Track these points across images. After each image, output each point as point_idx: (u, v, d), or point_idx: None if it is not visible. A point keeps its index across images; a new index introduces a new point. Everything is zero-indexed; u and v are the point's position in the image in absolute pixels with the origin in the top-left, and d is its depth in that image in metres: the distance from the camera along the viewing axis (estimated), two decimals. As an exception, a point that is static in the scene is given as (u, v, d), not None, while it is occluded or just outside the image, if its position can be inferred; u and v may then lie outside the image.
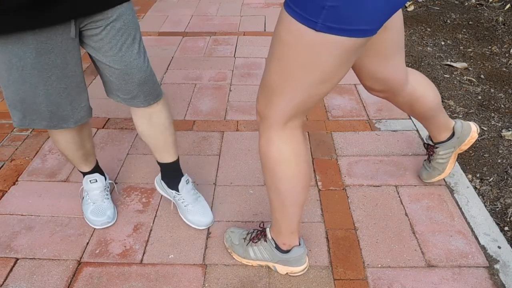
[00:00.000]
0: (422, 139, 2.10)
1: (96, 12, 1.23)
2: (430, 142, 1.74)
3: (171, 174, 1.64)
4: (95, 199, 1.65)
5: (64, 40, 1.24)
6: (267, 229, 1.41)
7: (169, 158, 1.60)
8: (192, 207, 1.63)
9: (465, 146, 1.70)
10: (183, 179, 1.64)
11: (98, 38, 1.28)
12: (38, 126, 1.35)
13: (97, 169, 1.69)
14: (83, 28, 1.27)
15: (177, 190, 1.64)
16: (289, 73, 1.02)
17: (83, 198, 1.70)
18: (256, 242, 1.44)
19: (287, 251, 1.39)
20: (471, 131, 1.67)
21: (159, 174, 1.71)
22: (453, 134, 1.68)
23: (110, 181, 1.78)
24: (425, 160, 1.81)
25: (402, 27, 1.28)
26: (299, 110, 1.11)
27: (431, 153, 1.74)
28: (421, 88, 1.49)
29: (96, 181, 1.66)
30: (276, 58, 1.03)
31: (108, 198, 1.69)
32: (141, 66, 1.35)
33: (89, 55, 1.35)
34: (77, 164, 1.62)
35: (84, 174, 1.68)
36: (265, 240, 1.42)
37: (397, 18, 1.24)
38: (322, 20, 0.90)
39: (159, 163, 1.63)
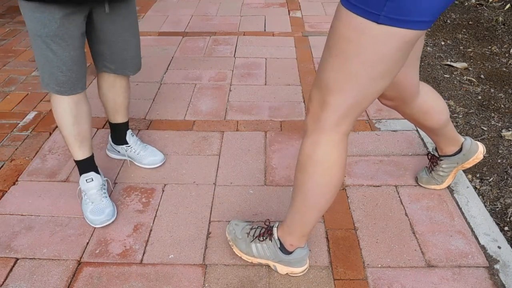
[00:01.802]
0: (422, 139, 2.10)
1: None
2: (435, 154, 1.74)
3: (121, 133, 1.90)
4: (93, 199, 1.66)
5: (82, 17, 1.45)
6: (274, 229, 1.41)
7: (122, 119, 1.87)
8: (144, 153, 1.92)
9: (468, 165, 1.70)
10: (128, 132, 1.91)
11: (114, 17, 1.53)
12: (51, 90, 1.53)
13: (91, 165, 1.70)
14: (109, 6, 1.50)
15: (126, 143, 1.91)
16: (349, 69, 1.02)
17: (81, 198, 1.71)
18: (261, 241, 1.43)
19: (290, 252, 1.38)
20: (478, 151, 1.68)
21: (108, 145, 1.99)
22: (460, 150, 1.68)
23: (105, 178, 1.78)
24: (426, 167, 1.80)
25: (423, 38, 1.29)
26: (353, 111, 1.09)
27: (434, 164, 1.74)
28: (431, 102, 1.49)
29: (92, 180, 1.67)
30: (335, 55, 1.03)
31: (106, 197, 1.69)
32: (136, 44, 1.66)
33: (89, 32, 1.57)
34: (71, 147, 1.65)
35: (79, 168, 1.69)
36: (271, 239, 1.41)
37: None
38: (385, 12, 0.91)
39: (112, 124, 1.89)
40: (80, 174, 1.69)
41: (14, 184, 1.85)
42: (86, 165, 1.69)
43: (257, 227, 1.48)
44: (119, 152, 1.95)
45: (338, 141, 1.14)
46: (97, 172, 1.71)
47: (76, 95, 1.56)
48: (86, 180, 1.67)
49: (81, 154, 1.67)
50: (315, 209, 1.25)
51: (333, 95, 1.07)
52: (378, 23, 0.93)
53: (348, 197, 1.77)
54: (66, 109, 1.57)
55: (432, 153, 1.76)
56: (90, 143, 1.69)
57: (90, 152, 1.69)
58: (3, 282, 1.43)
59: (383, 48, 0.96)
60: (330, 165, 1.15)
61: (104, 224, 1.63)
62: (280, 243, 1.39)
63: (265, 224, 1.47)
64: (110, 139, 1.96)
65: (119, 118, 1.86)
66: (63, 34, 1.41)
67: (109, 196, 1.78)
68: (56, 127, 2.23)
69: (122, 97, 1.81)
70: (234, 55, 3.00)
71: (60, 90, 1.52)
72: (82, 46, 1.50)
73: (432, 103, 1.49)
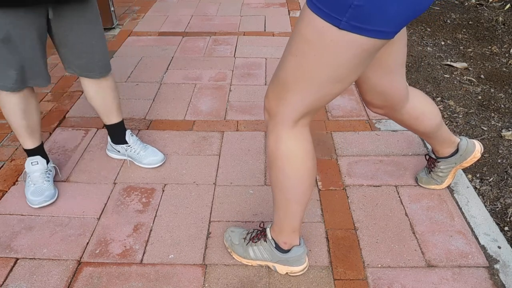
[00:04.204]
0: (422, 139, 2.10)
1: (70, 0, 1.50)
2: (433, 156, 1.74)
3: (119, 132, 1.92)
4: (35, 181, 1.72)
5: (38, 18, 1.47)
6: (267, 229, 1.41)
7: (116, 119, 1.89)
8: (144, 153, 1.92)
9: (466, 164, 1.70)
10: (127, 132, 1.93)
11: (68, 22, 1.54)
12: (2, 88, 1.56)
13: (40, 152, 1.78)
14: (56, 11, 1.51)
15: (126, 142, 1.92)
16: (306, 70, 1.03)
17: (25, 181, 1.78)
18: (255, 242, 1.44)
19: (287, 251, 1.39)
20: (475, 150, 1.68)
21: (107, 145, 1.99)
22: (456, 151, 1.68)
23: (53, 165, 1.84)
24: (426, 167, 1.80)
25: (406, 45, 1.30)
26: (310, 109, 1.11)
27: (432, 166, 1.74)
28: (421, 107, 1.49)
29: (38, 163, 1.75)
30: (294, 55, 1.03)
31: (49, 181, 1.76)
32: (100, 48, 1.67)
33: (51, 35, 1.61)
34: (22, 137, 1.72)
35: (28, 154, 1.76)
36: (265, 240, 1.42)
37: (403, 35, 1.26)
38: (347, 18, 0.91)
39: (107, 126, 1.91)
40: (28, 157, 1.77)
41: (14, 184, 1.85)
42: (34, 151, 1.77)
43: (252, 231, 1.49)
44: (119, 151, 1.96)
45: (298, 134, 1.16)
46: (44, 158, 1.78)
47: (25, 90, 1.61)
48: (32, 163, 1.75)
49: (31, 143, 1.74)
50: (294, 202, 1.26)
51: (290, 93, 1.09)
52: (339, 28, 0.93)
53: (348, 197, 1.77)
54: (15, 104, 1.62)
55: (430, 154, 1.75)
56: (39, 133, 1.76)
57: (39, 142, 1.77)
58: (3, 282, 1.43)
59: (342, 53, 0.97)
60: (295, 157, 1.18)
61: (42, 205, 1.70)
62: (275, 243, 1.39)
63: (260, 226, 1.48)
64: (109, 139, 1.97)
65: (113, 118, 1.88)
66: (16, 35, 1.44)
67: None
68: (56, 127, 2.23)
69: (111, 98, 1.82)
70: (234, 55, 3.00)
71: (12, 87, 1.56)
72: (40, 47, 1.53)
73: (423, 109, 1.49)
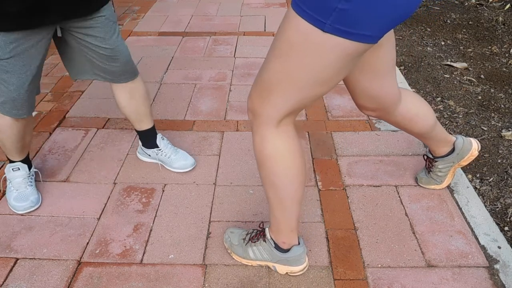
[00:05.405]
0: (422, 139, 2.10)
1: (80, 17, 1.43)
2: (430, 156, 1.74)
3: (150, 137, 1.90)
4: (17, 187, 1.70)
5: (44, 37, 1.41)
6: (266, 229, 1.41)
7: (148, 125, 1.86)
8: (175, 156, 1.90)
9: (464, 162, 1.70)
10: (158, 136, 1.91)
11: (86, 30, 1.48)
12: (9, 114, 1.50)
13: (23, 159, 1.74)
14: (70, 22, 1.45)
15: (157, 146, 1.90)
16: (290, 71, 1.03)
17: (6, 186, 1.75)
18: (255, 242, 1.44)
19: (287, 251, 1.39)
20: (472, 148, 1.68)
21: (138, 148, 1.98)
22: (453, 150, 1.68)
23: (35, 170, 1.82)
24: (425, 167, 1.80)
25: (394, 48, 1.30)
26: (294, 109, 1.12)
27: (431, 166, 1.74)
28: (415, 108, 1.49)
29: (19, 169, 1.71)
30: (278, 56, 1.04)
31: (32, 185, 1.73)
32: (124, 51, 1.61)
33: (68, 43, 1.55)
34: (10, 153, 1.68)
35: (10, 160, 1.73)
36: (264, 240, 1.42)
37: (391, 37, 1.26)
38: (331, 21, 0.91)
39: (139, 131, 1.88)
40: (9, 163, 1.74)
41: (14, 184, 1.85)
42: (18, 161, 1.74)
43: (252, 231, 1.49)
44: (149, 155, 1.94)
45: (282, 132, 1.16)
46: (25, 163, 1.74)
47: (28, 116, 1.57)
48: (13, 169, 1.71)
49: (19, 157, 1.71)
50: (288, 200, 1.26)
51: (274, 94, 1.09)
52: (323, 31, 0.93)
53: (348, 197, 1.77)
54: (14, 131, 1.57)
55: (427, 154, 1.76)
56: (29, 147, 1.73)
57: (27, 154, 1.74)
58: (3, 282, 1.43)
59: (325, 56, 0.97)
60: (282, 156, 1.18)
61: (28, 211, 1.67)
62: (274, 243, 1.39)
63: (259, 227, 1.48)
64: (140, 143, 1.95)
65: (144, 125, 1.86)
66: (20, 55, 1.37)
67: (36, 186, 1.81)
68: (56, 127, 2.23)
69: (144, 106, 1.79)
70: (234, 55, 3.00)
71: (17, 113, 1.50)
72: (39, 67, 1.46)
73: (416, 110, 1.49)
